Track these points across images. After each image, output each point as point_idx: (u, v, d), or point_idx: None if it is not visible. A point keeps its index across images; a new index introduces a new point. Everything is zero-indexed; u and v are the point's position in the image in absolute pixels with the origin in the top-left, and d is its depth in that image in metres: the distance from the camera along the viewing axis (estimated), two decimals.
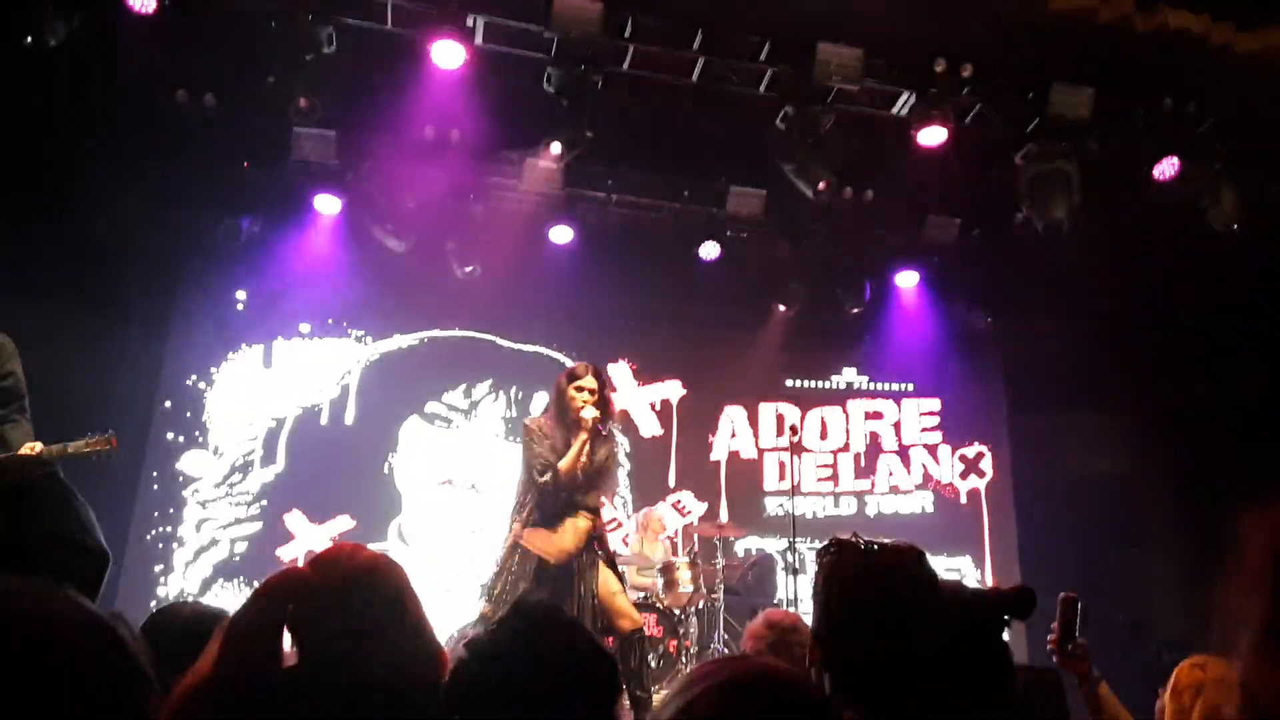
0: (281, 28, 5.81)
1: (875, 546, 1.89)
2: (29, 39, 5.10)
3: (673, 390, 8.38)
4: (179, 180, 6.65)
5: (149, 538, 6.92)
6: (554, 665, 1.52)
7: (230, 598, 6.81)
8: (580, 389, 4.42)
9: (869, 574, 1.82)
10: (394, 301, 7.68)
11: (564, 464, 4.31)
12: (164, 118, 6.27)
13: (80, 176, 6.26)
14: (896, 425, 8.88)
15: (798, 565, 7.31)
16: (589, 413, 4.34)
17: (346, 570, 1.63)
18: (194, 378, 7.20)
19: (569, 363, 7.98)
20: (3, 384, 4.14)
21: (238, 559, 7.06)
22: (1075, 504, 8.07)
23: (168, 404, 7.13)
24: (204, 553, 7.02)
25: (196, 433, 7.14)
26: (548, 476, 4.31)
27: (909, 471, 8.80)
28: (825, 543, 1.90)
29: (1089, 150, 6.74)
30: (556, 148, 6.70)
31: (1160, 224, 7.25)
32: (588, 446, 4.36)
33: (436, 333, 7.86)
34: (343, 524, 7.19)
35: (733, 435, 8.48)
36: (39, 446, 4.10)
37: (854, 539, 1.91)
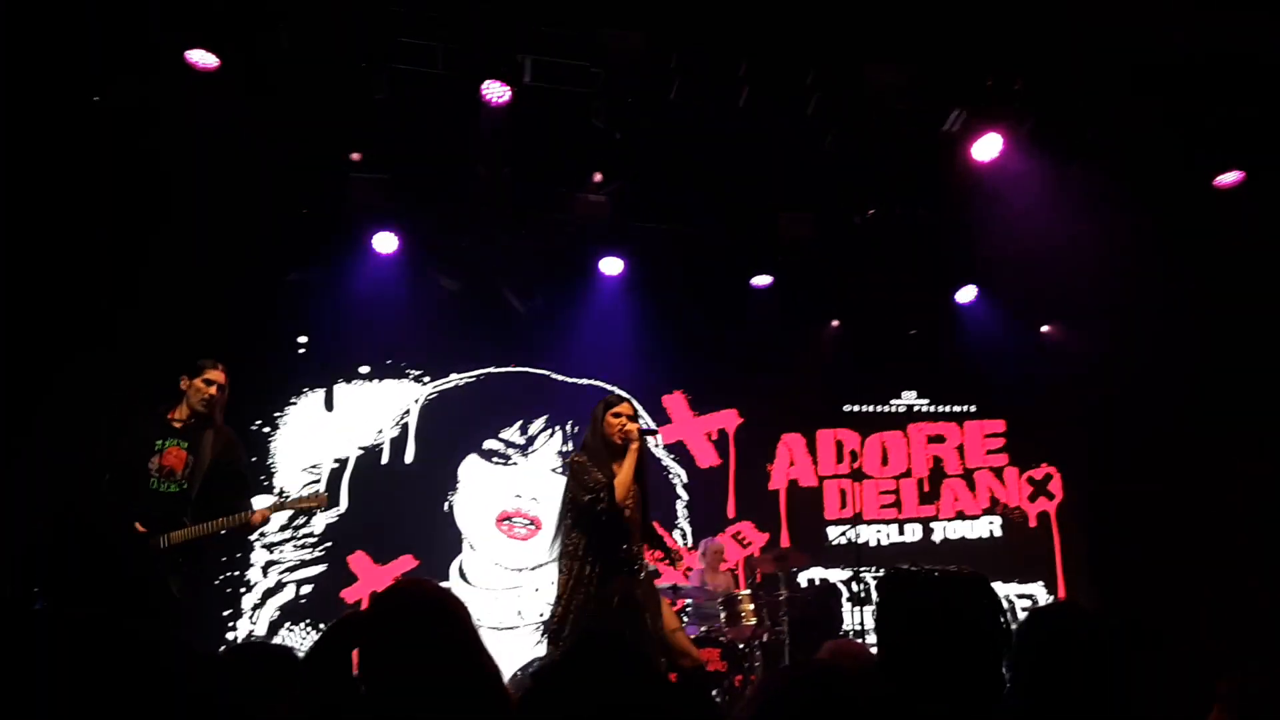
0: (337, 77, 5.96)
1: (935, 574, 1.88)
2: (96, 98, 5.28)
3: (729, 420, 8.30)
4: (239, 228, 6.79)
5: (216, 583, 6.99)
6: (621, 695, 1.48)
7: (297, 640, 6.86)
8: (618, 414, 4.44)
9: (929, 604, 1.81)
10: (450, 340, 7.72)
11: (619, 478, 4.30)
12: (225, 167, 6.41)
13: (145, 228, 6.43)
14: (960, 448, 8.73)
15: (863, 595, 7.17)
16: (632, 426, 4.38)
17: (403, 607, 1.67)
18: (259, 423, 7.30)
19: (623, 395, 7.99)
20: (235, 470, 4.81)
21: (303, 601, 7.09)
22: (1156, 527, 7.74)
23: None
24: (271, 596, 7.06)
25: (262, 477, 7.22)
26: (602, 500, 4.26)
27: (975, 495, 8.60)
28: (882, 573, 1.96)
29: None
30: (604, 180, 6.74)
31: (1223, 230, 7.02)
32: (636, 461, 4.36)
33: (491, 370, 7.90)
34: (406, 564, 7.19)
35: (791, 463, 8.39)
36: (261, 505, 4.74)
37: (913, 568, 1.90)
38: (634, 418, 4.48)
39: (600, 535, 4.29)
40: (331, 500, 7.30)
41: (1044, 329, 8.45)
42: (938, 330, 8.45)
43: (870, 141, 6.65)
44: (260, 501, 4.82)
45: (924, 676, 1.70)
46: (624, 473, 4.33)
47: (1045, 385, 8.60)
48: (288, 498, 4.97)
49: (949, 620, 1.77)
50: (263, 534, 7.05)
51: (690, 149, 6.77)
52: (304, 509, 4.93)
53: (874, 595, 7.90)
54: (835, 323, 8.29)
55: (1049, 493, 8.65)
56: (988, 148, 6.63)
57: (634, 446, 4.35)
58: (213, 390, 4.71)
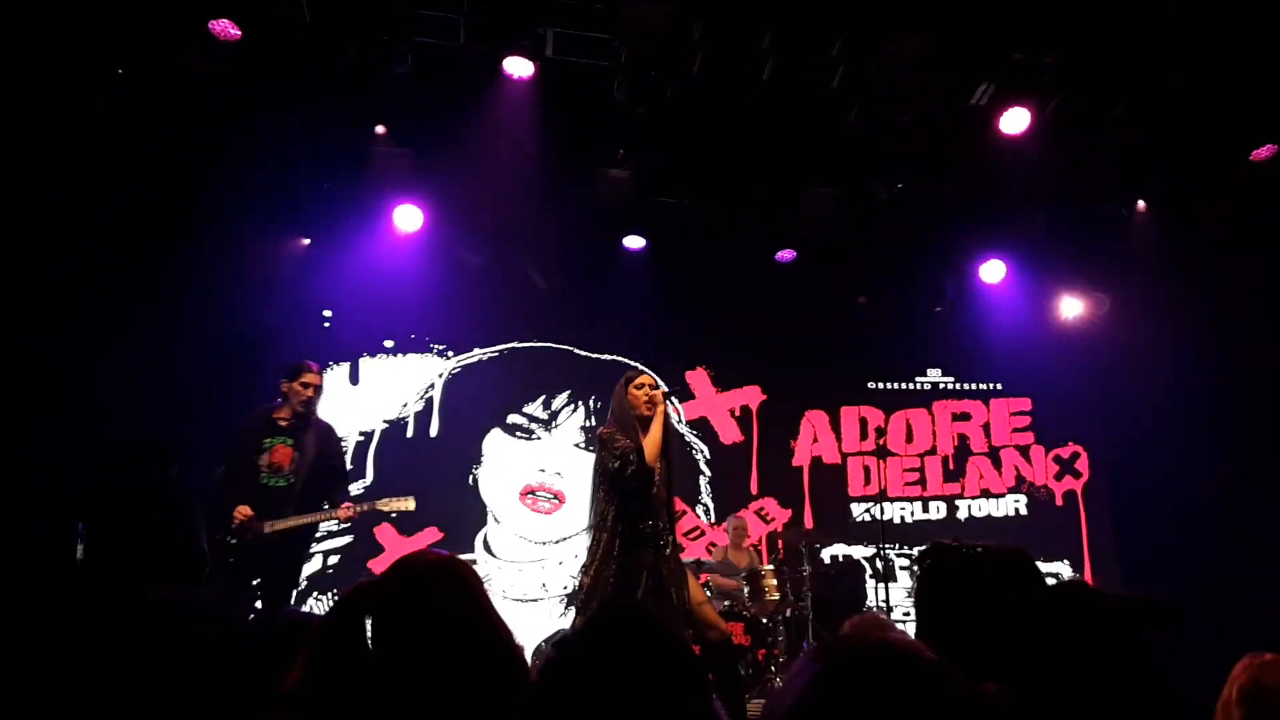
0: (359, 50, 5.95)
1: (978, 550, 1.84)
2: (119, 70, 5.30)
3: (752, 396, 8.29)
4: (263, 202, 6.83)
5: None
6: (644, 665, 1.44)
7: (324, 610, 6.93)
8: (640, 386, 4.47)
9: (972, 579, 1.77)
10: (473, 315, 7.77)
11: (648, 442, 4.31)
12: (247, 141, 6.45)
13: (169, 203, 6.46)
14: (985, 426, 8.67)
15: (886, 571, 7.17)
16: (656, 392, 4.43)
17: (415, 573, 1.66)
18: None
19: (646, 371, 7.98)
20: (333, 464, 5.31)
21: (331, 572, 7.16)
22: (1182, 507, 7.66)
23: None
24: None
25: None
26: (633, 463, 4.27)
27: (1000, 474, 8.54)
28: (925, 547, 1.87)
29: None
30: (626, 156, 6.71)
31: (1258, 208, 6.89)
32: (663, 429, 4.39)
33: (515, 345, 7.92)
34: (431, 536, 7.26)
35: (815, 440, 8.37)
36: (348, 509, 5.13)
37: (954, 542, 1.86)
38: (655, 387, 4.51)
39: (630, 506, 4.30)
40: (358, 472, 7.38)
41: (1070, 307, 8.32)
42: (963, 308, 8.38)
43: (896, 115, 6.56)
44: (347, 504, 5.20)
45: (964, 653, 1.67)
46: (653, 433, 4.35)
47: (1072, 363, 8.50)
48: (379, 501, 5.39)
49: (993, 596, 1.74)
50: None
51: (713, 123, 6.71)
52: (393, 512, 5.43)
53: (899, 572, 7.92)
54: (862, 299, 8.22)
55: (1075, 471, 8.58)
56: (1016, 122, 6.51)
57: (659, 410, 4.39)
58: (309, 392, 5.20)
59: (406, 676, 1.54)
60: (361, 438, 7.50)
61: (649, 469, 4.29)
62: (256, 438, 5.11)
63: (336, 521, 5.41)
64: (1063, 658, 1.66)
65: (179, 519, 1.79)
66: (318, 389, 5.24)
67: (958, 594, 1.77)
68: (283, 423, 5.15)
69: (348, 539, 7.25)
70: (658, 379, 4.66)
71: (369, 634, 1.57)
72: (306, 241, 7.34)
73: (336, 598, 1.67)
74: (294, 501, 5.05)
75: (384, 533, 7.27)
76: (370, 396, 7.59)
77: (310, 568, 7.14)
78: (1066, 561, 8.33)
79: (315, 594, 7.11)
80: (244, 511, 4.90)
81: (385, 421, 7.58)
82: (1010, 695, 1.58)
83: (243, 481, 5.01)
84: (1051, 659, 1.73)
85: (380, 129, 6.56)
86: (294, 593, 5.79)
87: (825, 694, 1.13)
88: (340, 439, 5.57)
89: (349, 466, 7.30)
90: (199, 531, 1.81)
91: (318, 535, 7.17)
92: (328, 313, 7.61)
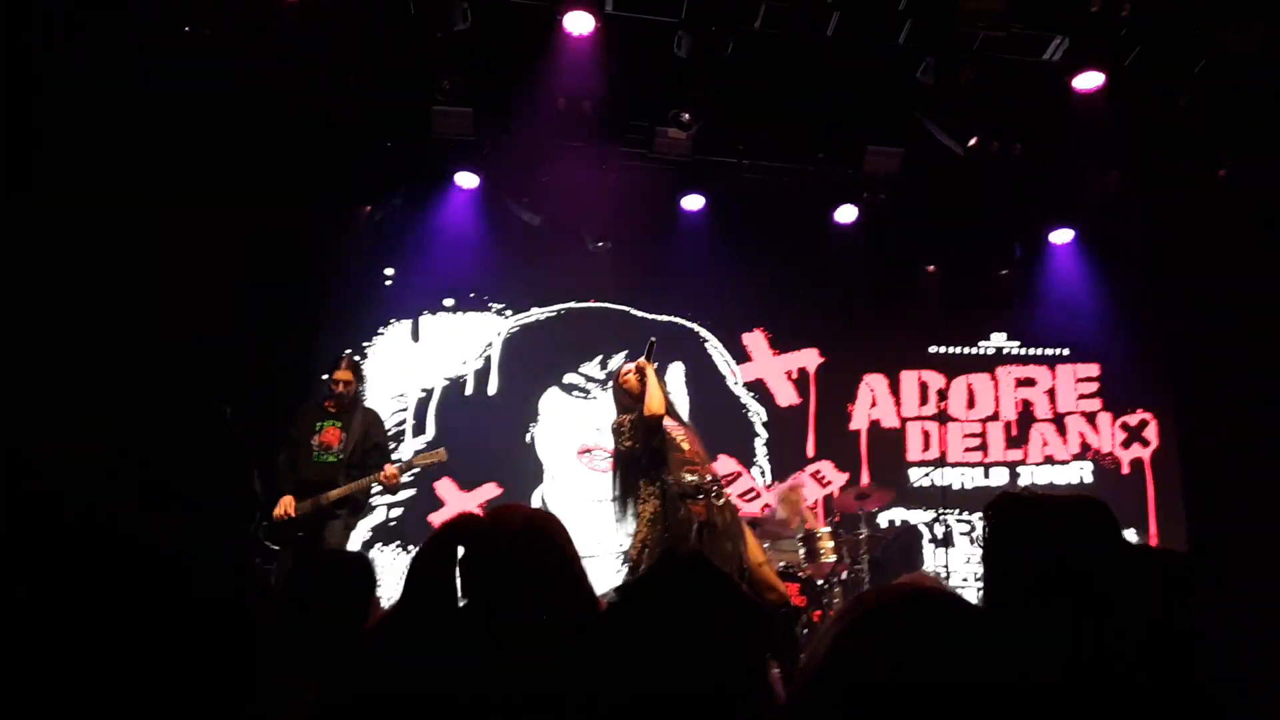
0: (419, 6, 5.97)
1: (1055, 499, 1.74)
2: (187, 28, 5.39)
3: (810, 359, 8.21)
4: (326, 162, 6.90)
5: None
6: (703, 611, 1.47)
7: (388, 560, 7.12)
8: (626, 373, 4.74)
9: (1048, 527, 1.67)
10: (531, 274, 7.80)
11: (647, 396, 4.48)
12: (309, 101, 6.52)
13: (232, 166, 6.56)
14: (1051, 392, 8.47)
15: (945, 538, 7.11)
16: (634, 364, 4.67)
17: (519, 521, 1.75)
18: (349, 351, 7.51)
19: (703, 332, 7.98)
20: (378, 442, 6.10)
21: (393, 523, 7.31)
22: (1251, 476, 7.45)
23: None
24: (363, 518, 7.32)
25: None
26: (639, 427, 4.46)
27: (1065, 441, 8.39)
28: (997, 497, 1.74)
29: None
30: (686, 118, 6.64)
31: None
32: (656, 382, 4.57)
33: (572, 304, 7.95)
34: (490, 491, 7.37)
35: (873, 404, 8.27)
36: (391, 468, 5.84)
37: (1029, 492, 1.77)
38: (636, 370, 4.69)
39: (659, 467, 4.41)
40: (419, 428, 7.53)
41: (1143, 271, 8.09)
42: (1031, 271, 8.21)
43: (966, 71, 6.35)
44: (390, 467, 5.86)
45: (1034, 606, 1.59)
46: (648, 390, 4.50)
47: (1142, 328, 8.31)
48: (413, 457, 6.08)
49: (1065, 544, 1.63)
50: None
51: (775, 80, 6.60)
52: (428, 465, 6.11)
53: (957, 538, 7.84)
54: (930, 268, 8.09)
55: (1144, 439, 8.38)
56: (1090, 79, 6.29)
57: (649, 375, 4.56)
58: (339, 388, 5.98)
59: (497, 617, 1.59)
60: (422, 394, 7.59)
61: (654, 416, 4.45)
62: (310, 422, 5.95)
63: (382, 487, 5.93)
64: (1131, 617, 1.59)
65: (232, 459, 1.81)
66: (347, 384, 5.98)
67: (1032, 544, 1.65)
68: (332, 408, 5.98)
69: (410, 493, 7.37)
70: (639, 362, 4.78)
71: (461, 567, 1.63)
72: (368, 209, 7.42)
73: (435, 532, 1.71)
74: (344, 472, 5.84)
75: (444, 487, 7.38)
76: (431, 354, 7.66)
77: (374, 519, 7.32)
78: (1133, 531, 8.18)
79: (379, 544, 7.27)
80: (287, 504, 5.66)
81: (445, 379, 7.66)
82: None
83: (299, 459, 5.84)
84: (1109, 625, 1.63)
85: (447, 82, 6.52)
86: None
87: (860, 637, 1.12)
88: (382, 423, 6.34)
89: (412, 422, 7.54)
90: (251, 472, 1.84)
91: (380, 490, 7.40)
92: (389, 271, 7.69)
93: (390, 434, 7.46)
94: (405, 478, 6.20)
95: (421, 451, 6.03)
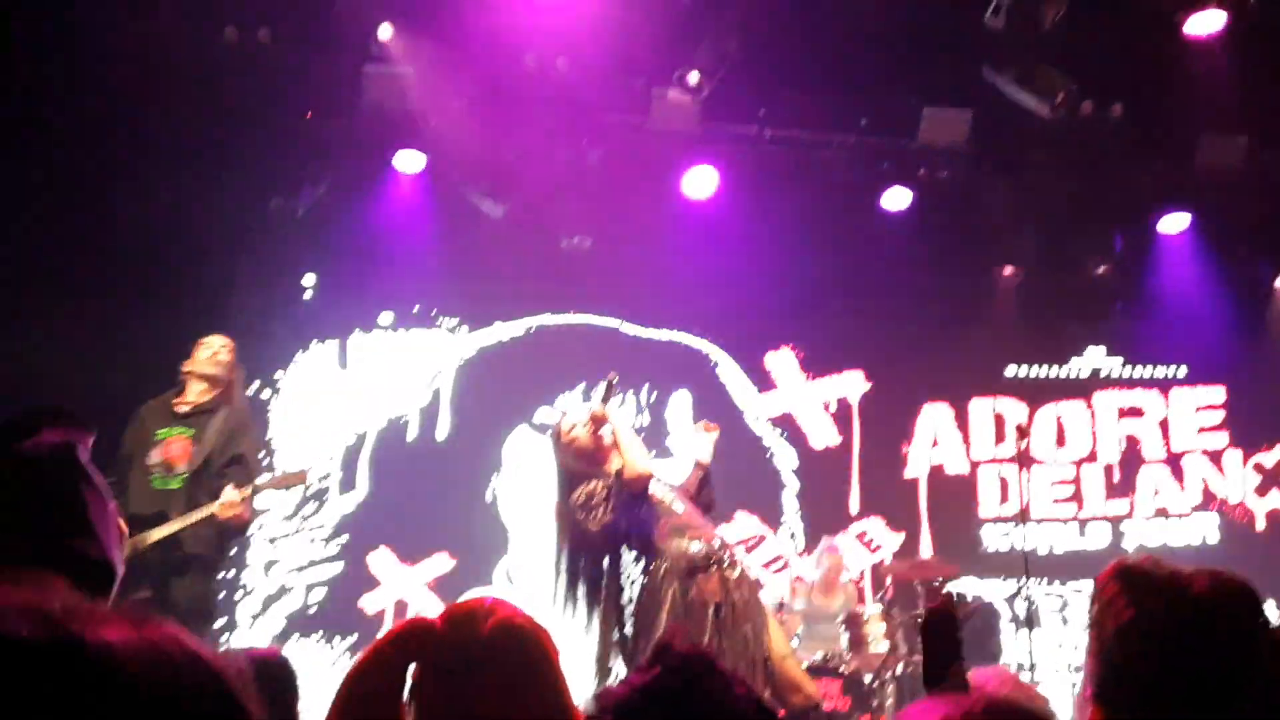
0: None
1: (1186, 578, 1.75)
2: None
3: (853, 385, 8.20)
4: (229, 138, 6.81)
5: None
6: None
7: (310, 654, 6.97)
8: (571, 428, 4.49)
9: (1183, 618, 1.70)
10: (493, 281, 7.74)
11: (624, 455, 4.33)
12: (211, 61, 6.45)
13: (115, 145, 6.50)
14: (1163, 424, 8.47)
15: (1029, 617, 7.00)
16: (588, 414, 4.46)
17: (485, 633, 1.68)
18: (256, 384, 7.36)
19: (713, 352, 7.93)
20: (238, 459, 5.14)
21: (314, 609, 7.20)
22: None
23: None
24: (274, 602, 7.20)
25: (260, 453, 7.32)
26: (617, 492, 4.31)
27: (1183, 487, 8.36)
28: (1108, 569, 1.78)
29: None
30: (695, 76, 6.57)
31: None
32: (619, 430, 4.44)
33: (546, 319, 7.91)
34: (440, 564, 7.32)
35: (935, 444, 8.29)
36: (232, 497, 4.87)
37: (1152, 565, 1.79)
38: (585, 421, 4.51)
39: (647, 542, 4.33)
40: (348, 483, 7.43)
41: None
42: (1136, 268, 8.26)
43: (1049, 12, 6.34)
44: (229, 493, 4.89)
45: (1160, 711, 1.64)
46: (622, 449, 4.35)
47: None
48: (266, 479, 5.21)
49: (1205, 643, 1.66)
50: (261, 525, 7.15)
51: (806, 27, 6.51)
52: (283, 488, 5.36)
53: (1045, 615, 7.72)
54: (1008, 270, 8.03)
55: None
56: (1207, 22, 6.29)
57: (608, 420, 4.41)
58: (196, 375, 5.16)
59: None
60: (353, 439, 7.56)
61: (642, 478, 4.31)
62: (148, 430, 5.08)
63: (226, 526, 5.01)
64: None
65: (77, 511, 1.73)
66: (210, 369, 5.17)
67: (1155, 637, 1.70)
68: (182, 408, 5.12)
69: (335, 568, 7.27)
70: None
71: (411, 690, 1.59)
72: (280, 200, 7.38)
73: (390, 632, 1.67)
74: (187, 500, 4.93)
75: (380, 559, 7.31)
76: (363, 386, 7.60)
77: (289, 604, 7.20)
78: (1273, 602, 8.04)
79: (297, 635, 7.15)
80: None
81: (383, 419, 7.63)
82: None
83: (129, 485, 4.92)
84: None
85: (386, 31, 6.43)
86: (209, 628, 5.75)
87: None
88: (256, 427, 5.56)
89: (339, 474, 7.41)
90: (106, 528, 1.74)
91: (296, 564, 7.23)
92: (309, 279, 7.60)
93: (312, 492, 7.33)
94: (257, 503, 5.58)
95: (277, 475, 5.36)
